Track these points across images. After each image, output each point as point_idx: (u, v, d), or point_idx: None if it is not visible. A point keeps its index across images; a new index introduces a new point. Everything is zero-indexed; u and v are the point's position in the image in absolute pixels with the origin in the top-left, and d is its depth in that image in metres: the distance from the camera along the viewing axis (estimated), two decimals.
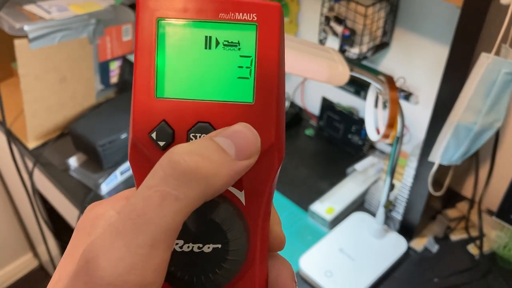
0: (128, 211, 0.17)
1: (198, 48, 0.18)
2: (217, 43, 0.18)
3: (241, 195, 0.19)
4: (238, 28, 0.18)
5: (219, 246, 0.18)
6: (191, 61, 0.18)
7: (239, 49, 0.18)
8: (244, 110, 0.18)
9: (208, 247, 0.18)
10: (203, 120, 0.18)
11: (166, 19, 0.18)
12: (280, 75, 0.19)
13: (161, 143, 0.19)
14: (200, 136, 0.19)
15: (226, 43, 0.18)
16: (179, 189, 0.17)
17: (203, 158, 0.17)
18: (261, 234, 0.19)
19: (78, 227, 0.21)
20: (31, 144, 1.10)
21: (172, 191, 0.17)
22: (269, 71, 0.18)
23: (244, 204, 0.19)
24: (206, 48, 0.18)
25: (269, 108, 0.18)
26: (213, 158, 0.18)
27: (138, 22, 0.18)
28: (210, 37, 0.18)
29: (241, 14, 0.18)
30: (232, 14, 0.18)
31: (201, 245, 0.18)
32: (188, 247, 0.18)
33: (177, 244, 0.18)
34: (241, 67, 0.18)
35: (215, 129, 0.19)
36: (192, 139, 0.19)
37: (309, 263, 0.84)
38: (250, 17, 0.18)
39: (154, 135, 0.18)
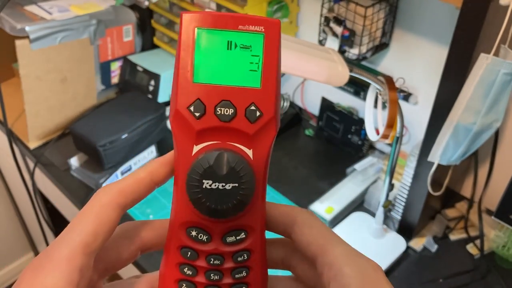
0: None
1: (222, 48, 0.26)
2: (236, 45, 0.26)
3: (250, 152, 0.27)
4: (251, 36, 0.27)
5: (236, 184, 0.26)
6: (217, 58, 0.27)
7: (251, 50, 0.27)
8: (254, 92, 0.26)
9: (229, 185, 0.26)
10: (226, 99, 0.26)
11: (202, 28, 0.26)
12: (278, 69, 0.27)
13: (196, 114, 0.26)
14: (225, 110, 0.26)
15: (242, 46, 0.26)
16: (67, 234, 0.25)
17: None
18: (262, 180, 0.27)
19: None
20: (32, 144, 1.10)
21: (65, 235, 0.25)
22: (271, 66, 0.27)
23: (252, 158, 0.27)
24: (228, 49, 0.26)
25: (271, 91, 0.27)
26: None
27: (181, 30, 0.26)
28: (231, 41, 0.26)
29: (253, 26, 0.26)
30: (247, 26, 0.26)
31: (224, 184, 0.26)
32: (215, 185, 0.26)
33: (207, 183, 0.26)
34: (252, 63, 0.27)
35: (233, 105, 0.26)
36: (218, 112, 0.26)
37: None
38: (259, 29, 0.26)
39: (192, 108, 0.26)
